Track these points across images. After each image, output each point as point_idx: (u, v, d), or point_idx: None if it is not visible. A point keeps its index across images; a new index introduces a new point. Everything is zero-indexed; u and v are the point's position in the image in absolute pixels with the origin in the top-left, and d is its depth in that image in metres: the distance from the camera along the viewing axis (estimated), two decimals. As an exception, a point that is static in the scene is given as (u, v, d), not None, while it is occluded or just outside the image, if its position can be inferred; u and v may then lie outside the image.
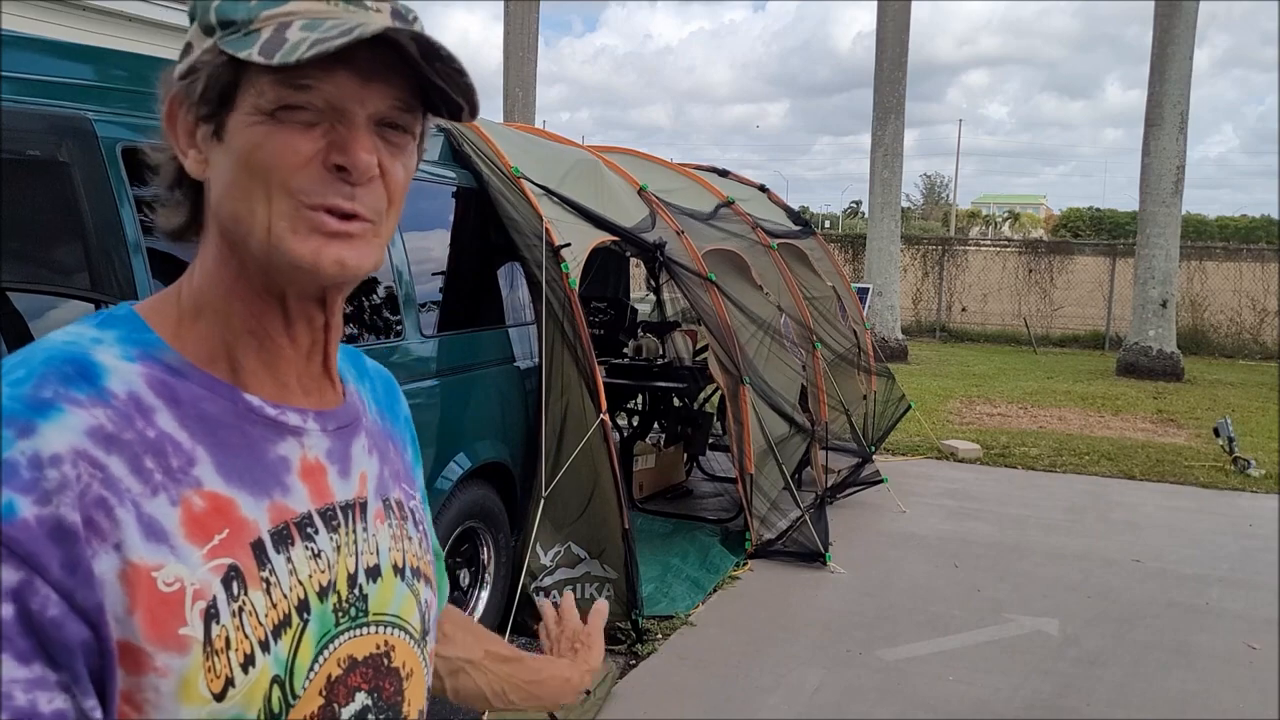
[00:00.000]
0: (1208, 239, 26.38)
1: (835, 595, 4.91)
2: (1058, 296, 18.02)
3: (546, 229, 4.22)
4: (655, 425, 6.89)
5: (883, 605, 4.79)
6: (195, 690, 0.66)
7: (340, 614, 0.77)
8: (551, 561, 4.17)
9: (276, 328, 0.77)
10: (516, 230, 4.24)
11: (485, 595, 4.12)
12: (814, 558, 5.24)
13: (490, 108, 17.58)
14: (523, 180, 4.32)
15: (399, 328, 3.63)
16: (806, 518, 5.36)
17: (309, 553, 0.76)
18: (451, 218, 4.19)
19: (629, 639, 4.16)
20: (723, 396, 5.43)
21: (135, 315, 0.76)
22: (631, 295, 7.94)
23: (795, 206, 8.21)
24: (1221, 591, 5.15)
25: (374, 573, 0.81)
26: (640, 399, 6.83)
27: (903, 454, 8.11)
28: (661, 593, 4.72)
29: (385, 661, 0.81)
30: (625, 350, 6.53)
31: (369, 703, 0.79)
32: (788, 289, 6.39)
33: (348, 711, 0.77)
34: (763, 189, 7.73)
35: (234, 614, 0.69)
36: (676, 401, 6.65)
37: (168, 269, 2.80)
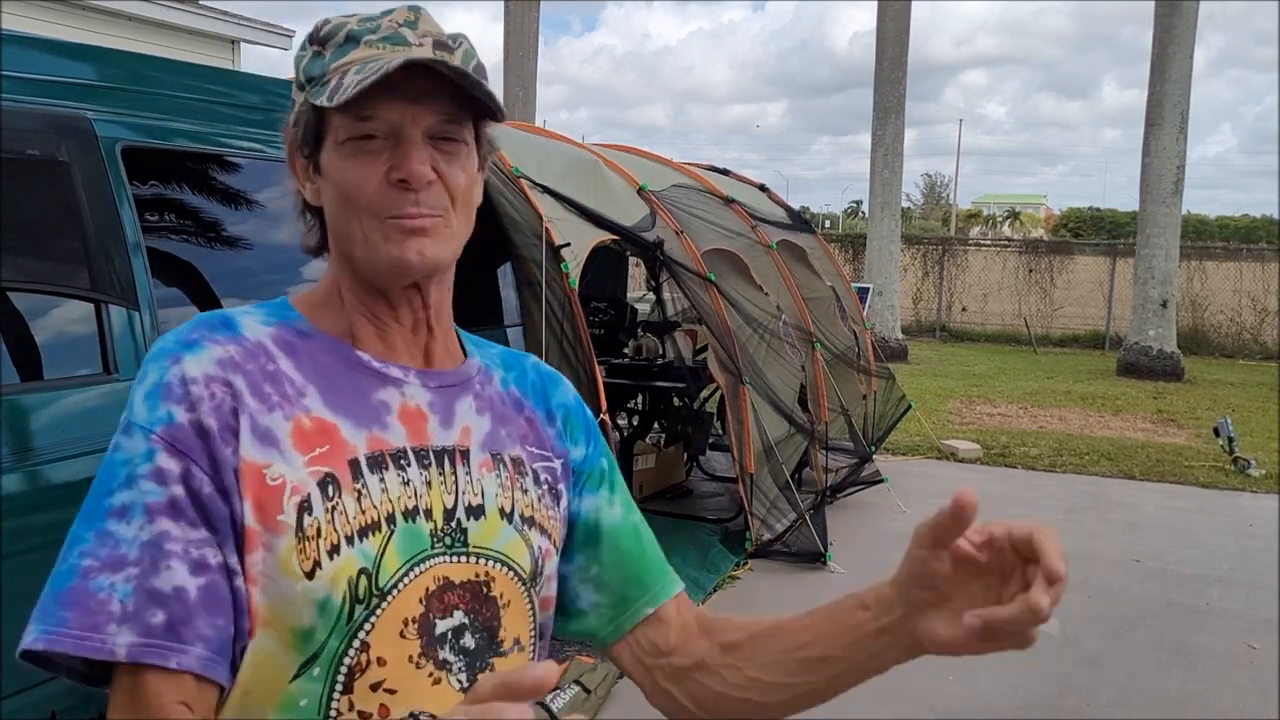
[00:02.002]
0: (1208, 239, 26.36)
1: (835, 595, 4.90)
2: (1058, 296, 18.02)
3: (546, 228, 4.21)
4: (655, 425, 6.89)
5: (883, 605, 4.79)
6: (291, 566, 0.85)
7: (436, 539, 0.92)
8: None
9: (383, 311, 0.96)
10: (516, 229, 4.24)
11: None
12: (814, 558, 5.23)
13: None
14: (522, 180, 4.32)
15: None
16: (806, 518, 5.36)
17: (400, 479, 0.92)
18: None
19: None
20: (723, 396, 5.43)
21: (285, 301, 0.98)
22: (630, 294, 7.94)
23: (795, 206, 8.20)
24: (1222, 592, 5.15)
25: (476, 511, 0.95)
26: (640, 399, 6.82)
27: (903, 454, 8.10)
28: (661, 593, 4.71)
29: (484, 590, 0.94)
30: (625, 350, 6.53)
31: (465, 621, 0.92)
32: (786, 289, 6.38)
33: (445, 624, 0.91)
34: (762, 188, 7.72)
35: (327, 511, 0.87)
36: (676, 401, 6.65)
37: (167, 269, 2.79)
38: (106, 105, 2.68)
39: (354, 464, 0.90)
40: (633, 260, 7.95)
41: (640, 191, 5.49)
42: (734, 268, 5.83)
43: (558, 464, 1.05)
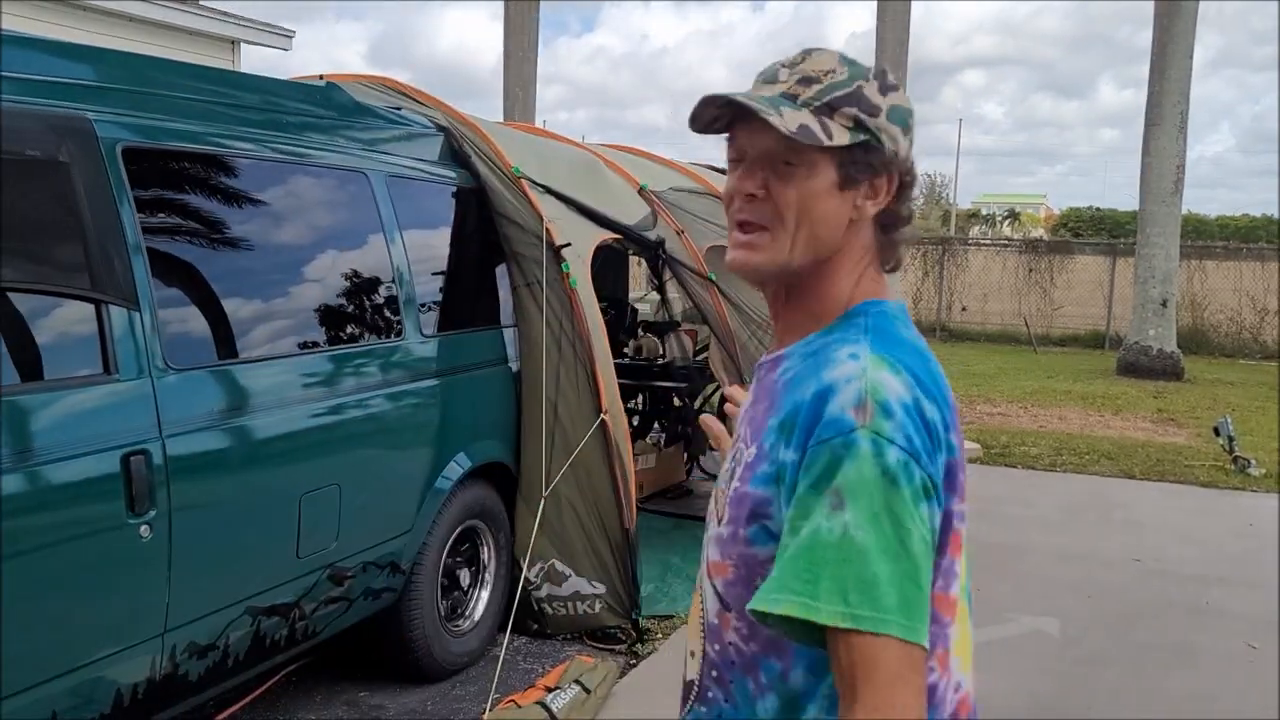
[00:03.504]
0: (1208, 238, 26.32)
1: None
2: (1058, 296, 17.99)
3: (547, 229, 4.21)
4: (655, 425, 6.89)
5: (883, 605, 4.78)
6: None
7: None
8: (537, 577, 4.15)
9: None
10: (517, 230, 4.23)
11: (485, 595, 4.11)
12: (814, 557, 5.22)
13: (490, 108, 17.64)
14: (523, 180, 4.31)
15: (399, 327, 3.62)
16: (807, 517, 5.34)
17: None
18: (452, 218, 4.18)
19: (629, 639, 4.15)
20: (723, 396, 5.42)
21: None
22: (631, 294, 7.94)
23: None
24: (1222, 591, 5.15)
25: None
26: (640, 399, 6.82)
27: (903, 454, 8.09)
28: (662, 592, 4.71)
29: None
30: (625, 350, 6.53)
31: None
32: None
33: None
34: (763, 189, 7.70)
35: None
36: (676, 401, 6.64)
37: (168, 269, 2.79)
38: (107, 106, 2.68)
39: None
40: (634, 260, 7.94)
41: (641, 191, 5.49)
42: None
43: (752, 450, 1.11)
